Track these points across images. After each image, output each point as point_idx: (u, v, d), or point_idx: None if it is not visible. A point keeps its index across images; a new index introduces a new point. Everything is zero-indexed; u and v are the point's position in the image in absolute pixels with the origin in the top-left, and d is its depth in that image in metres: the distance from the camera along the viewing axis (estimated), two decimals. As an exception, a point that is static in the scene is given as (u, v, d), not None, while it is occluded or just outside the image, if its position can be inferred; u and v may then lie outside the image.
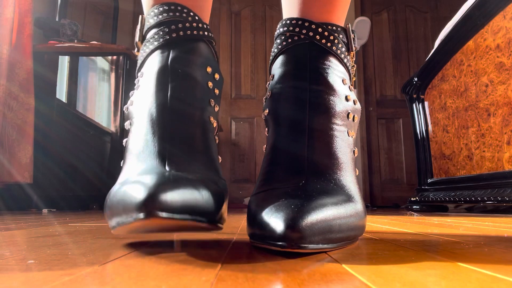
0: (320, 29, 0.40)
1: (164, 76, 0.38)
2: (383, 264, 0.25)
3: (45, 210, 1.50)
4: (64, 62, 2.14)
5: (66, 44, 1.81)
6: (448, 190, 1.56)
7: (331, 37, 0.41)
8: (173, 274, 0.21)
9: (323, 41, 0.40)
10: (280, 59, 0.42)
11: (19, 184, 1.52)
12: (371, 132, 3.04)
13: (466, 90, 1.46)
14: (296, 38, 0.41)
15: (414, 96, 1.86)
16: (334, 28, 0.41)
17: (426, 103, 1.81)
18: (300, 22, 0.41)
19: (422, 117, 1.83)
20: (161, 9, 0.41)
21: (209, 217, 0.30)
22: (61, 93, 2.08)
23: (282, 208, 0.29)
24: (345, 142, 0.38)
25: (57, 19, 2.04)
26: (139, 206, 0.26)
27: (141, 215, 0.25)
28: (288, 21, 0.42)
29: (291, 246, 0.27)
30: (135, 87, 0.41)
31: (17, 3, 1.55)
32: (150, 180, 0.28)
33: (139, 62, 0.42)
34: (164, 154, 0.34)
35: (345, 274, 0.22)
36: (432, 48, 1.79)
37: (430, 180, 1.76)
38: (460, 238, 0.42)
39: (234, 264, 0.25)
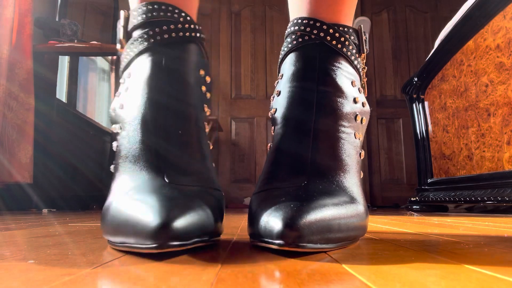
0: (331, 30, 0.40)
1: (159, 80, 0.37)
2: (383, 264, 0.25)
3: (45, 210, 1.50)
4: (64, 62, 2.14)
5: (66, 44, 1.81)
6: (448, 190, 1.56)
7: (342, 39, 0.41)
8: (173, 274, 0.21)
9: (334, 42, 0.40)
10: (289, 58, 0.42)
11: (19, 184, 1.52)
12: (371, 132, 3.04)
13: (466, 90, 1.46)
14: (306, 37, 0.41)
15: (414, 96, 1.86)
16: (345, 29, 0.41)
17: (426, 103, 1.81)
18: (311, 22, 0.41)
19: (422, 117, 1.83)
20: (150, 7, 0.39)
21: (212, 233, 0.31)
22: (61, 93, 2.08)
23: (282, 207, 0.29)
24: (351, 144, 0.38)
25: (57, 19, 2.04)
26: (152, 235, 0.25)
27: (154, 245, 0.25)
28: (300, 20, 0.41)
29: (289, 245, 0.27)
30: (123, 88, 0.39)
31: (17, 3, 1.55)
32: (157, 202, 0.27)
33: (124, 61, 0.40)
34: (161, 164, 0.34)
35: (345, 274, 0.22)
36: (432, 48, 1.79)
37: (430, 180, 1.76)
38: (460, 238, 0.42)
39: (234, 264, 0.25)
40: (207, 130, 0.41)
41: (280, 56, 0.43)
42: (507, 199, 1.16)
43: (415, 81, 1.83)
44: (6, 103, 1.46)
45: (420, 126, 1.85)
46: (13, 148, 1.49)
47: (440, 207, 1.66)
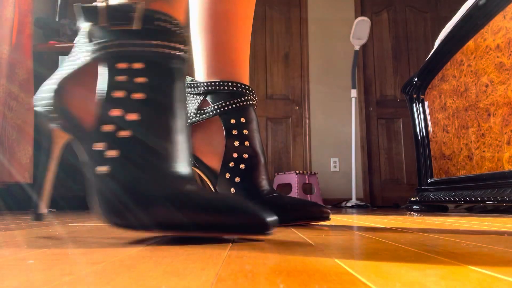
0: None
1: (182, 98, 0.43)
2: (383, 264, 0.25)
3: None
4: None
5: (66, 44, 1.81)
6: (448, 190, 1.56)
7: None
8: (173, 274, 0.21)
9: None
10: None
11: (19, 184, 1.52)
12: (371, 132, 3.04)
13: (466, 90, 1.46)
14: None
15: (414, 96, 1.86)
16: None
17: (426, 103, 1.81)
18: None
19: (422, 117, 1.83)
20: (170, 18, 0.42)
21: None
22: (61, 93, 2.08)
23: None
24: None
25: (57, 19, 2.03)
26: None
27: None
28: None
29: None
30: (131, 79, 0.40)
31: (17, 3, 1.55)
32: None
33: (128, 47, 0.40)
34: None
35: (345, 274, 0.22)
36: (432, 48, 1.79)
37: (430, 180, 1.75)
38: (460, 238, 0.42)
39: (234, 264, 0.25)
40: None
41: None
42: (507, 199, 1.16)
43: (415, 81, 1.83)
44: (6, 103, 1.46)
45: (420, 126, 1.85)
46: (13, 148, 1.49)
47: (440, 207, 1.66)
